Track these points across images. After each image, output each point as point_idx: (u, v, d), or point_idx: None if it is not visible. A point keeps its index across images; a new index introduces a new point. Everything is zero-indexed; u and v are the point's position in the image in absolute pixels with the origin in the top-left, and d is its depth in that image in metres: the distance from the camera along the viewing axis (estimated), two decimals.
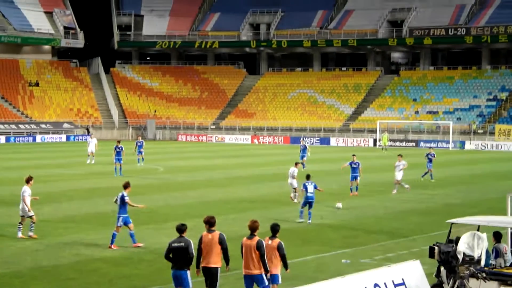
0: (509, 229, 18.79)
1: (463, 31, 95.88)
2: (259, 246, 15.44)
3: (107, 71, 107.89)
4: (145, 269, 20.15)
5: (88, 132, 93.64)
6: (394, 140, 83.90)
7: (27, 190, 24.53)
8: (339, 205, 27.99)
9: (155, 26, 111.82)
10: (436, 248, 16.48)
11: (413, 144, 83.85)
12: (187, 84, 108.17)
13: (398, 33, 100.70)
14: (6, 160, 57.51)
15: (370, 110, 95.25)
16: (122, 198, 22.91)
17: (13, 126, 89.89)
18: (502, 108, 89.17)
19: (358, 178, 37.12)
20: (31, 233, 24.40)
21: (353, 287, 14.31)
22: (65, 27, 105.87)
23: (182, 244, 15.69)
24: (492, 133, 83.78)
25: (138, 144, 53.00)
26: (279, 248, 15.82)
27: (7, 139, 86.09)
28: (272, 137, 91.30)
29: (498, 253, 17.61)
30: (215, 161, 58.71)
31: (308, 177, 28.45)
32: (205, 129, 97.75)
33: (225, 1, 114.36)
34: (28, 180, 24.82)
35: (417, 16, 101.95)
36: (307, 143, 53.58)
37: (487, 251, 16.65)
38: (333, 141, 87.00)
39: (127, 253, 22.14)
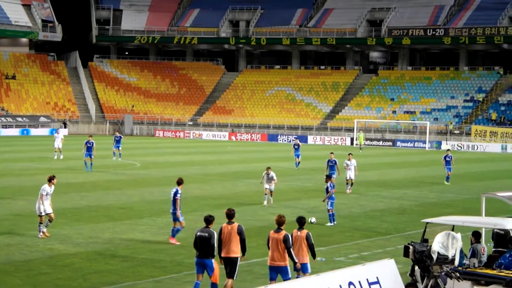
0: (483, 229, 18.90)
1: (442, 32, 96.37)
2: (285, 240, 16.34)
3: (85, 65, 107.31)
4: (118, 265, 20.02)
5: (65, 125, 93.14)
6: (371, 140, 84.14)
7: (46, 189, 23.56)
8: (313, 220, 27.46)
9: (134, 21, 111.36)
10: (410, 247, 16.51)
11: (390, 143, 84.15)
12: (165, 79, 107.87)
13: (377, 33, 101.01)
14: None
15: (348, 109, 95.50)
16: (175, 194, 22.99)
17: None
18: (479, 109, 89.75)
19: (334, 176, 36.90)
20: (44, 229, 23.50)
21: (328, 285, 14.27)
22: (43, 20, 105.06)
23: (206, 234, 16.59)
24: (468, 134, 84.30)
25: (116, 138, 52.80)
26: (307, 238, 16.98)
27: None
28: (249, 134, 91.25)
29: (474, 253, 17.69)
30: (192, 157, 58.58)
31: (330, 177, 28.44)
32: (183, 125, 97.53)
33: None
34: (50, 179, 23.86)
35: (396, 16, 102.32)
36: (300, 142, 53.14)
37: (461, 251, 16.70)
38: (310, 139, 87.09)
39: (101, 249, 22.00)
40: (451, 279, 15.98)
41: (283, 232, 16.45)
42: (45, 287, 17.72)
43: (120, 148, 52.65)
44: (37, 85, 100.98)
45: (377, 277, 15.26)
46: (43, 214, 23.35)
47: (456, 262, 16.24)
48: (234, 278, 16.65)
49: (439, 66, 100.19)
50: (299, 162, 49.69)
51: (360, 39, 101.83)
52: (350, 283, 14.65)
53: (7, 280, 18.17)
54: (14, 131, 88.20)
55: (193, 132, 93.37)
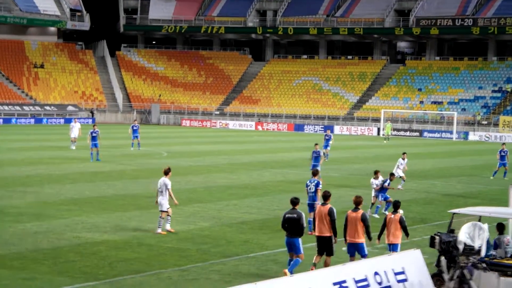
0: (511, 220, 18.77)
1: (470, 21, 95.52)
2: (363, 218, 17.40)
3: (112, 55, 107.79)
4: (145, 253, 20.13)
5: (93, 114, 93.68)
6: (398, 130, 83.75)
7: (168, 183, 22.66)
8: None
9: (161, 10, 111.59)
10: (437, 237, 16.47)
11: (417, 134, 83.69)
12: (192, 69, 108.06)
13: (405, 23, 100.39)
14: (9, 142, 57.54)
15: (375, 99, 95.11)
16: (317, 185, 23.02)
17: (17, 108, 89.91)
18: (507, 100, 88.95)
19: (318, 167, 35.13)
20: (168, 226, 22.83)
21: (354, 275, 14.26)
22: (71, 9, 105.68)
23: (295, 215, 17.40)
24: (496, 125, 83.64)
25: (134, 128, 52.33)
26: (401, 221, 17.99)
27: (11, 121, 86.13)
28: (276, 124, 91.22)
29: (498, 244, 17.60)
30: (219, 146, 58.67)
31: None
32: (210, 115, 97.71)
33: None
34: (167, 172, 22.85)
35: (424, 6, 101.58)
36: (332, 132, 51.87)
37: (488, 242, 16.61)
38: (337, 129, 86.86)
39: (128, 237, 22.12)
40: (478, 270, 15.92)
41: (361, 211, 17.44)
42: (72, 274, 17.85)
43: (138, 138, 52.07)
44: (65, 74, 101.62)
45: (402, 267, 15.22)
46: (165, 209, 22.61)
47: (483, 253, 16.17)
48: (333, 254, 17.61)
49: (467, 56, 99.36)
50: (327, 154, 48.96)
51: (388, 29, 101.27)
52: (376, 273, 14.62)
53: (34, 268, 18.35)
54: (42, 120, 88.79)
55: (219, 122, 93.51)
